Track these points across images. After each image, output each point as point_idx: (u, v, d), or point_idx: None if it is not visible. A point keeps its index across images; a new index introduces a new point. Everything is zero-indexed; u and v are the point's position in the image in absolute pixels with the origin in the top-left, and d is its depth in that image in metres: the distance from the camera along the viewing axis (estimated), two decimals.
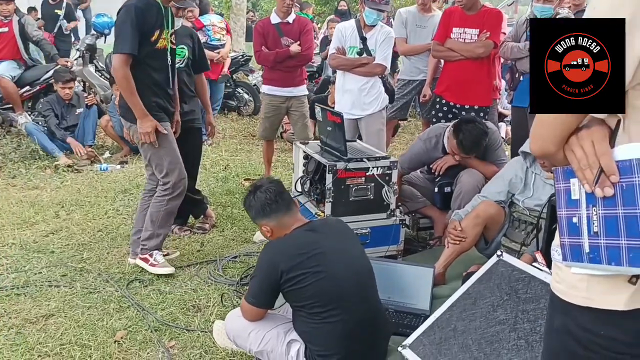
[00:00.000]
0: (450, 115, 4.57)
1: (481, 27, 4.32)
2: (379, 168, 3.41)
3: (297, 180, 3.81)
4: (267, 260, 2.40)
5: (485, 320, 2.21)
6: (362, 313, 2.40)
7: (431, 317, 2.42)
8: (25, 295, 3.26)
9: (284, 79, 5.02)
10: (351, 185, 3.39)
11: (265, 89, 5.16)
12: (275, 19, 5.02)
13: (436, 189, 3.93)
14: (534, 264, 2.39)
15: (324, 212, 3.39)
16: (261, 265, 2.43)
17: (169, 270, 3.43)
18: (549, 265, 2.38)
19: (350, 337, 2.38)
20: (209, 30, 6.57)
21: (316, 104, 3.95)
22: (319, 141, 3.79)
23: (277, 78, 5.02)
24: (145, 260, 3.47)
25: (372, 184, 3.43)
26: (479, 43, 4.34)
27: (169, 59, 3.44)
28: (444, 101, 4.61)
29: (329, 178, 3.33)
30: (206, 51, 4.65)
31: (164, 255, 3.59)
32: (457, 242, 3.21)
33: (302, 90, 5.17)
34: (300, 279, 2.31)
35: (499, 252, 2.46)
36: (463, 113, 4.47)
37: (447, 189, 3.88)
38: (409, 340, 2.39)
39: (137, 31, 3.17)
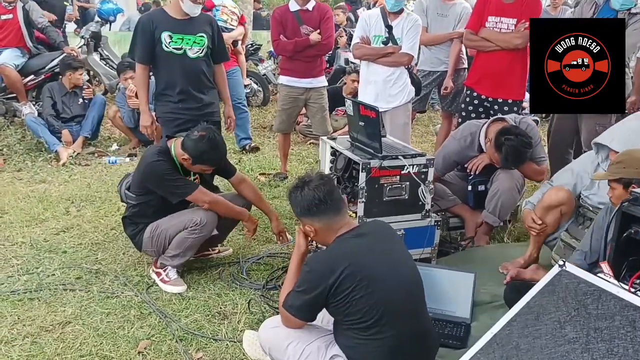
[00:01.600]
0: (481, 109, 4.35)
1: (519, 17, 4.06)
2: (415, 166, 3.21)
3: None
4: (314, 276, 2.18)
5: (552, 338, 2.02)
6: (411, 328, 2.22)
7: (488, 333, 2.22)
8: (40, 300, 3.06)
9: (303, 69, 4.80)
10: (385, 184, 3.18)
11: (283, 79, 4.94)
12: (294, 6, 4.78)
13: (470, 187, 3.74)
14: (600, 275, 2.20)
15: (355, 213, 3.19)
16: (307, 279, 2.21)
17: (179, 289, 3.19)
18: (616, 277, 2.19)
19: (398, 354, 2.19)
20: (217, 10, 6.35)
21: (346, 96, 3.73)
22: (347, 136, 3.58)
23: (296, 68, 4.81)
24: (158, 274, 3.27)
25: (407, 183, 3.22)
26: (517, 33, 4.08)
27: None
28: (475, 94, 4.39)
29: (362, 177, 3.12)
30: None
31: (217, 253, 3.65)
32: (541, 233, 3.17)
33: (322, 81, 4.96)
34: (347, 293, 2.11)
35: (560, 262, 2.26)
36: (495, 107, 4.26)
37: (481, 187, 3.69)
38: (465, 358, 2.19)
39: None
